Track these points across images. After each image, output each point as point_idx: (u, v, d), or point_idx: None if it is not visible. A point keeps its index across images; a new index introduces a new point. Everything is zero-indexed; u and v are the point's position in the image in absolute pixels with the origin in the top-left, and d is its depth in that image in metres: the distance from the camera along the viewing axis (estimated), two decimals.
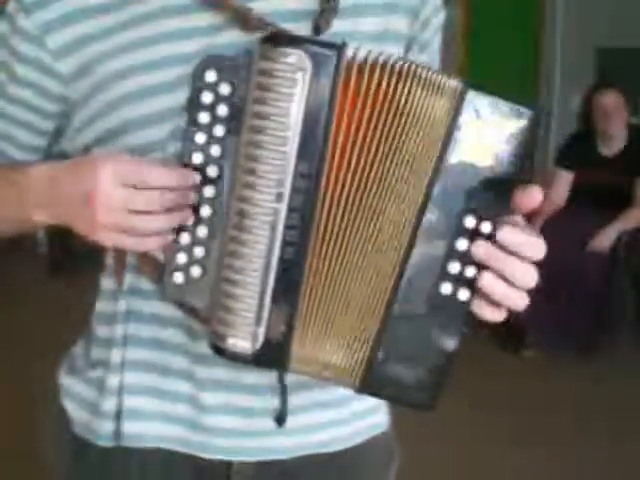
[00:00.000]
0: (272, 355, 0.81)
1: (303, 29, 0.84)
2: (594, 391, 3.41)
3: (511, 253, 0.75)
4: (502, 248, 0.75)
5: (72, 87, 0.87)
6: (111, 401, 0.92)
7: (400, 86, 0.75)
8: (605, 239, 3.78)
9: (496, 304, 0.77)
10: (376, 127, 0.77)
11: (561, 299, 3.60)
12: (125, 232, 0.78)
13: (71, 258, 4.59)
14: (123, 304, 0.91)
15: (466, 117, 0.75)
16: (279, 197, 0.77)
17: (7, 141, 0.94)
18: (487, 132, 0.75)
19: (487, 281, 0.76)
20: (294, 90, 0.75)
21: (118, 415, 0.92)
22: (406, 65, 0.75)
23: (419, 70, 0.75)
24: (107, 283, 0.95)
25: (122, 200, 0.77)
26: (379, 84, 0.76)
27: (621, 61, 5.31)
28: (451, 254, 0.77)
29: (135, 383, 0.92)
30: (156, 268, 0.85)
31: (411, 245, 0.77)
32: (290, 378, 0.90)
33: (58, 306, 3.98)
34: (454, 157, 0.75)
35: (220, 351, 0.82)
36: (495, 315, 0.78)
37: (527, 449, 2.95)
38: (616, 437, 3.04)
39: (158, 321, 0.90)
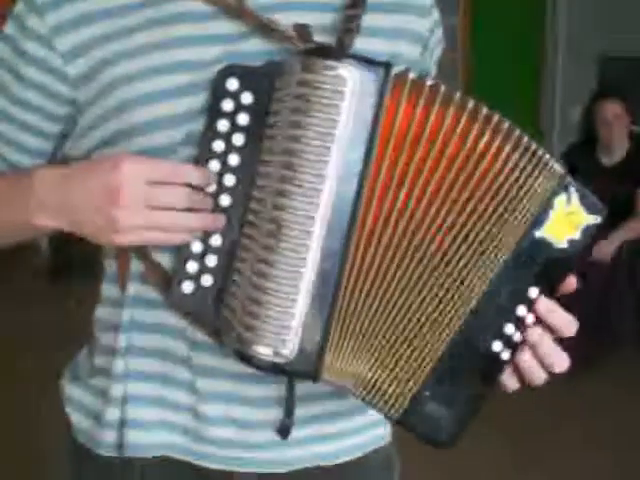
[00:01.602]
0: (304, 365, 0.80)
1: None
2: (598, 399, 3.40)
3: (552, 333, 0.83)
4: (549, 329, 0.82)
5: (81, 89, 0.87)
6: (114, 411, 0.91)
7: (487, 138, 0.78)
8: (606, 248, 3.78)
9: (520, 376, 0.83)
10: (438, 162, 0.78)
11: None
12: (150, 229, 0.78)
13: (72, 266, 4.58)
14: (127, 313, 0.90)
15: (560, 199, 0.80)
16: (318, 207, 0.77)
17: (12, 146, 0.92)
18: (571, 218, 0.80)
19: (525, 360, 0.82)
20: (339, 103, 0.75)
21: (121, 425, 0.91)
22: (496, 118, 0.78)
23: (515, 132, 0.79)
24: (109, 291, 0.94)
25: (148, 197, 0.76)
26: (442, 116, 0.77)
27: (623, 70, 5.32)
28: (510, 317, 0.81)
29: (138, 393, 0.91)
30: (163, 277, 0.85)
31: (479, 300, 0.81)
32: (299, 390, 0.89)
33: (59, 314, 3.98)
34: (539, 232, 0.80)
35: (246, 358, 0.81)
36: (513, 385, 0.84)
37: (530, 457, 2.94)
38: (621, 445, 3.03)
39: (162, 331, 0.89)
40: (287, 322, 0.78)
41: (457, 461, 2.83)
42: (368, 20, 0.87)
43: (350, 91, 0.75)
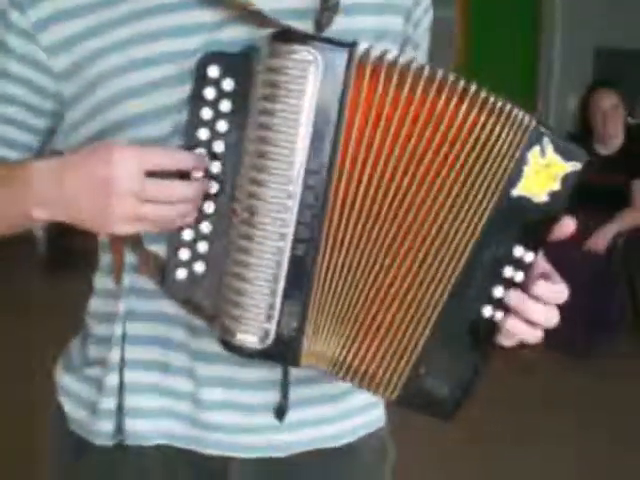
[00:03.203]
0: (283, 351, 0.81)
1: (304, 28, 0.83)
2: (593, 390, 3.40)
3: (540, 301, 0.79)
4: (535, 298, 0.79)
5: (65, 84, 0.87)
6: (110, 400, 0.91)
7: (443, 99, 0.76)
8: (601, 239, 3.78)
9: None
10: (410, 136, 0.77)
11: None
12: (144, 219, 0.78)
13: (69, 257, 4.58)
14: (123, 304, 0.90)
15: (533, 152, 0.76)
16: (290, 194, 0.77)
17: None
18: (548, 170, 0.77)
19: (510, 323, 0.80)
20: (304, 87, 0.75)
21: (119, 414, 0.91)
22: (462, 83, 0.76)
23: (482, 94, 0.76)
24: (103, 282, 0.94)
25: (142, 187, 0.76)
26: (410, 89, 0.76)
27: (619, 62, 5.32)
28: (497, 279, 0.79)
29: (136, 381, 0.91)
30: (158, 266, 0.85)
31: (463, 265, 0.79)
32: (294, 372, 0.90)
33: (57, 304, 3.97)
34: (515, 190, 0.77)
35: (229, 346, 0.82)
36: (508, 343, 0.82)
37: (525, 448, 2.95)
38: (615, 436, 3.03)
39: (159, 320, 0.90)
40: (263, 309, 0.79)
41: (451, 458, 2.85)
42: None
43: (314, 75, 0.75)
